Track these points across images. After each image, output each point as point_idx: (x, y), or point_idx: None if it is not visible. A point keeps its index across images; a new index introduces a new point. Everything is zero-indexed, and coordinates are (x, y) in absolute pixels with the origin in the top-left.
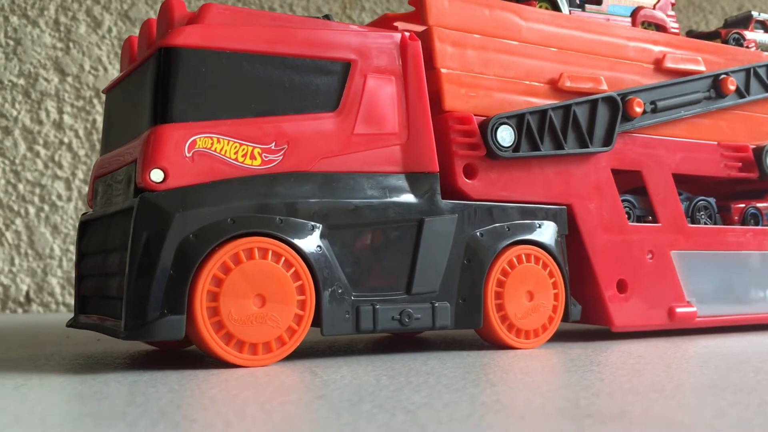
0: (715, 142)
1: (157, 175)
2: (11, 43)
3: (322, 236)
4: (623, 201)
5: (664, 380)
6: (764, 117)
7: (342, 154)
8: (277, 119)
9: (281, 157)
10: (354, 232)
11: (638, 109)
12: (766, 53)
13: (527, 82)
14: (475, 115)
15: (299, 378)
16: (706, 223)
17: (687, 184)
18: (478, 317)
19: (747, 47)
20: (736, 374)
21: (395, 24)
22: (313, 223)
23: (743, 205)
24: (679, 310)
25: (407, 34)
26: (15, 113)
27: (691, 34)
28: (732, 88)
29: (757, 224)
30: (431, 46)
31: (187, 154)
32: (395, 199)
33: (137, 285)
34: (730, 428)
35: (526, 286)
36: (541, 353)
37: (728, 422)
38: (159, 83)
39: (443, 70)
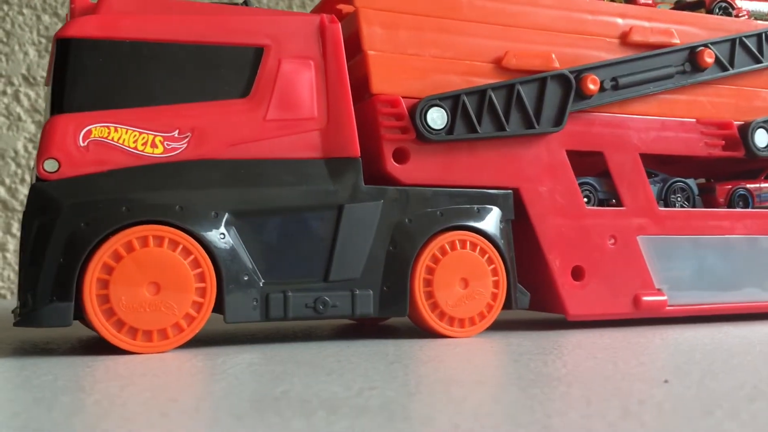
0: (693, 120)
1: (50, 165)
2: (43, 41)
3: (227, 224)
4: (583, 184)
5: (564, 369)
6: (755, 91)
7: (253, 141)
8: (181, 107)
9: (185, 145)
10: (265, 220)
11: (593, 87)
12: (758, 22)
13: (469, 62)
14: (408, 97)
15: (190, 364)
16: (682, 206)
17: (677, 165)
18: (402, 305)
19: (738, 16)
20: (662, 365)
21: (339, 6)
22: (217, 211)
23: (730, 186)
24: (646, 298)
25: (327, 17)
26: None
27: (678, 5)
28: (709, 60)
29: (746, 206)
30: (359, 29)
31: (82, 144)
32: (312, 185)
33: (28, 273)
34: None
35: (460, 274)
36: (475, 342)
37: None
38: (55, 75)
39: (371, 53)
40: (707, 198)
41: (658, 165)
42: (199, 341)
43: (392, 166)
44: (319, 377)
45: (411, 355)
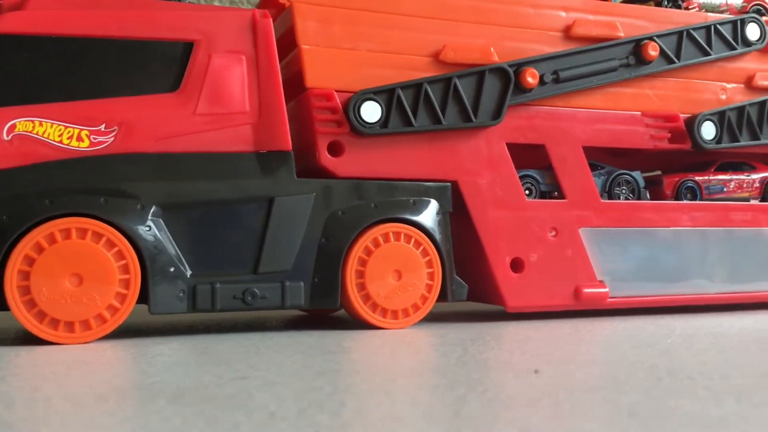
0: (639, 113)
1: None
2: None
3: (154, 216)
4: (525, 176)
5: (466, 358)
6: (703, 83)
7: (182, 135)
8: (109, 101)
9: (112, 139)
10: (194, 213)
11: (531, 80)
12: (708, 14)
13: (406, 56)
14: (342, 91)
15: (114, 355)
16: (627, 199)
17: (632, 158)
18: (334, 297)
19: (688, 8)
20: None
21: (281, 0)
22: (143, 204)
23: (677, 179)
24: (587, 290)
25: (259, 12)
26: None
27: None
28: (654, 53)
29: (694, 198)
30: (293, 23)
31: (6, 138)
32: (242, 178)
33: None
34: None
35: (393, 266)
36: (405, 333)
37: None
38: None
39: (305, 47)
40: (655, 190)
41: (612, 158)
42: (127, 332)
43: (327, 159)
44: (207, 367)
45: (324, 346)
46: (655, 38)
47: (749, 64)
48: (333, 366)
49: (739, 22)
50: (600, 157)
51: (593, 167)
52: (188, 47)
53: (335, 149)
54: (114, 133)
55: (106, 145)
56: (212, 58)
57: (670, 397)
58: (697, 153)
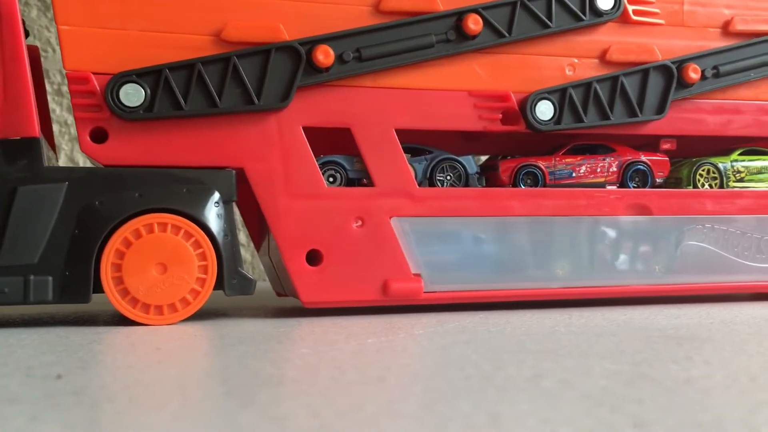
0: (466, 91)
1: None
2: None
3: None
4: (329, 162)
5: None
6: (545, 59)
7: None
8: None
9: None
10: None
11: (325, 59)
12: None
13: (183, 35)
14: (106, 74)
15: None
16: (453, 185)
17: (484, 142)
18: (85, 291)
19: None
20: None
21: None
22: None
23: (515, 164)
24: (396, 284)
25: None
26: None
27: None
28: (475, 27)
29: (536, 184)
30: (53, 3)
31: None
32: None
33: None
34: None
35: (156, 258)
36: (168, 330)
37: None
38: None
39: (64, 28)
40: (492, 176)
41: (464, 142)
42: None
43: (88, 146)
44: None
45: (66, 342)
46: (479, 10)
47: (604, 36)
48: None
49: None
50: (454, 142)
51: (419, 152)
52: None
53: (99, 135)
54: None
55: None
56: None
57: None
58: (566, 136)
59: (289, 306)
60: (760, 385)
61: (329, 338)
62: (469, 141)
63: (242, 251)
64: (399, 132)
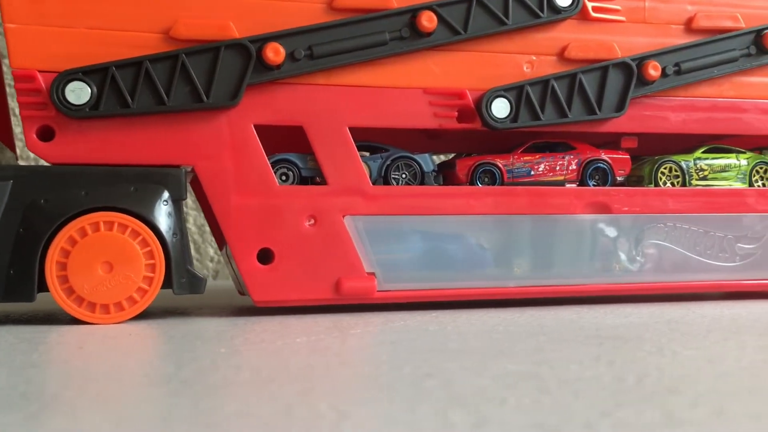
0: (420, 89)
1: None
2: None
3: None
4: (282, 161)
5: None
6: (502, 56)
7: None
8: None
9: None
10: None
11: (274, 56)
12: None
13: (132, 33)
14: (52, 72)
15: None
16: (408, 183)
17: (445, 140)
18: (30, 290)
19: None
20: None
21: None
22: None
23: (472, 162)
24: (349, 283)
25: None
26: None
27: None
28: (428, 25)
29: (493, 183)
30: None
31: None
32: None
33: None
34: None
35: (102, 257)
36: (114, 329)
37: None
38: None
39: (10, 26)
40: (450, 174)
41: (426, 140)
42: None
43: (34, 145)
44: None
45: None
46: (434, 7)
47: (563, 33)
48: None
49: None
50: (417, 141)
51: (375, 150)
52: None
53: (45, 134)
54: None
55: None
56: None
57: None
58: (526, 135)
59: (249, 305)
60: (630, 387)
61: (259, 337)
62: (432, 139)
63: (210, 251)
64: (358, 130)
